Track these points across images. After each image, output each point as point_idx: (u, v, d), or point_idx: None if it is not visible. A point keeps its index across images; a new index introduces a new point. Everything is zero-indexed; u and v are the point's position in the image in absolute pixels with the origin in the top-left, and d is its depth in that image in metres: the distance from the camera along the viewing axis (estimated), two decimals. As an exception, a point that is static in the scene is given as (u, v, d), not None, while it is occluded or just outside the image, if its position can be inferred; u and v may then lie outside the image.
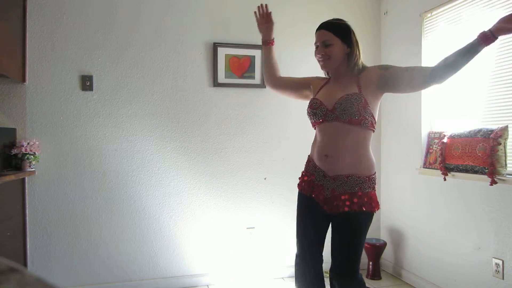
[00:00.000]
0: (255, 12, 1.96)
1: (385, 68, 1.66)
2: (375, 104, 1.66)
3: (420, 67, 1.59)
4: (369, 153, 1.69)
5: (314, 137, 1.83)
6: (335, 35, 1.68)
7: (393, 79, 1.61)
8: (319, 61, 1.76)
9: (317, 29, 1.76)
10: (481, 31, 1.42)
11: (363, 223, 1.68)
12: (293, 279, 2.93)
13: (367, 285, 2.85)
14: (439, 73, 1.50)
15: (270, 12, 1.94)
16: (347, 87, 1.66)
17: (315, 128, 1.80)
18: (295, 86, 1.96)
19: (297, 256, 1.92)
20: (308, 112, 1.77)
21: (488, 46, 1.42)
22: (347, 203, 1.63)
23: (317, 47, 1.74)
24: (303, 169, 1.88)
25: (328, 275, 1.78)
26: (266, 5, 1.95)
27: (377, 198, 1.72)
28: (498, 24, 1.39)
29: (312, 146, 1.83)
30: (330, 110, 1.65)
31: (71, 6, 2.65)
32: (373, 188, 1.68)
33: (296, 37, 3.04)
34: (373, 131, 1.70)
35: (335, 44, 1.68)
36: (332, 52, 1.68)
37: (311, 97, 1.84)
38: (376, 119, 1.69)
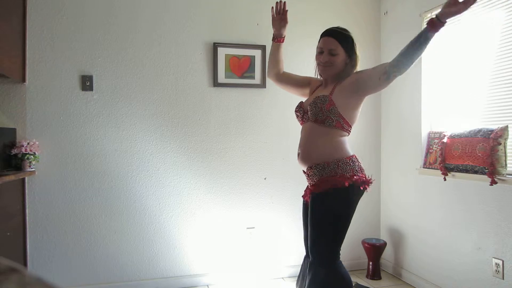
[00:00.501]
0: (272, 8, 2.00)
1: (360, 72, 1.74)
2: (347, 107, 1.71)
3: (382, 63, 1.65)
4: (333, 144, 1.71)
5: None
6: (342, 46, 1.73)
7: (364, 80, 1.68)
8: (319, 65, 1.79)
9: (325, 35, 1.78)
10: (430, 18, 1.46)
11: (325, 204, 1.68)
12: (294, 279, 2.94)
13: (366, 285, 2.88)
14: (396, 63, 1.54)
15: (287, 11, 1.97)
16: (325, 91, 1.78)
17: None
18: (297, 83, 2.05)
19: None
20: (295, 114, 1.92)
21: (438, 32, 1.45)
22: (319, 186, 1.70)
23: (321, 52, 1.77)
24: None
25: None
26: (284, 2, 1.97)
27: (344, 179, 1.67)
28: (443, 9, 1.42)
29: None
30: (306, 112, 1.80)
31: (71, 6, 2.65)
32: (343, 170, 1.67)
33: (296, 38, 3.04)
34: (344, 130, 1.73)
35: (340, 54, 1.73)
36: (336, 61, 1.74)
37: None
38: (349, 121, 1.72)
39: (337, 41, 1.72)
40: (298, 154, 1.83)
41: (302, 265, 1.95)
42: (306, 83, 2.01)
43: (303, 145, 1.81)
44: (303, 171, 1.87)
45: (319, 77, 1.90)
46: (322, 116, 1.68)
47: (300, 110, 1.86)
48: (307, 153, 1.77)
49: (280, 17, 1.97)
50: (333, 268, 1.68)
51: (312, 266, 1.70)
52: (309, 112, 1.76)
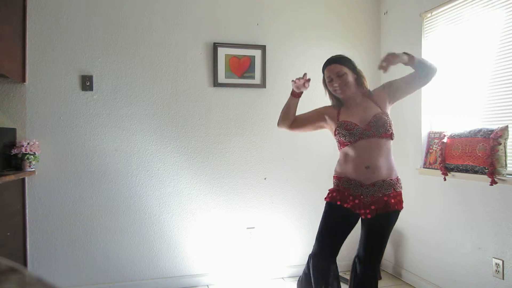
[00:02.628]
0: (294, 81, 1.98)
1: (388, 86, 1.96)
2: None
3: (409, 74, 1.91)
4: (392, 159, 1.95)
5: (342, 157, 1.96)
6: (345, 66, 1.91)
7: (398, 92, 1.94)
8: (336, 90, 1.91)
9: (326, 65, 1.94)
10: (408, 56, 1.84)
11: (395, 220, 1.95)
12: (293, 279, 2.94)
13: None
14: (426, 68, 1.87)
15: (309, 79, 1.97)
16: (369, 108, 1.90)
17: (341, 148, 1.94)
18: (312, 121, 2.08)
19: (315, 255, 1.96)
20: (342, 134, 1.90)
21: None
22: (387, 203, 1.86)
23: (330, 80, 1.91)
24: (332, 187, 2.00)
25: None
26: (305, 74, 1.97)
27: None
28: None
29: (341, 165, 1.96)
30: (365, 128, 1.85)
31: (71, 6, 2.65)
32: (401, 188, 1.94)
33: (297, 40, 3.04)
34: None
35: (347, 72, 1.90)
36: (347, 79, 1.89)
37: (328, 126, 2.01)
38: None
39: (338, 64, 1.90)
40: (366, 168, 1.85)
41: (318, 265, 1.94)
42: (321, 117, 2.03)
43: (373, 159, 1.85)
44: (354, 178, 1.88)
45: (333, 103, 2.02)
46: (390, 131, 1.88)
47: (357, 128, 1.86)
48: (378, 167, 1.85)
49: (304, 84, 1.98)
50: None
51: (366, 269, 1.94)
52: (374, 128, 1.84)
